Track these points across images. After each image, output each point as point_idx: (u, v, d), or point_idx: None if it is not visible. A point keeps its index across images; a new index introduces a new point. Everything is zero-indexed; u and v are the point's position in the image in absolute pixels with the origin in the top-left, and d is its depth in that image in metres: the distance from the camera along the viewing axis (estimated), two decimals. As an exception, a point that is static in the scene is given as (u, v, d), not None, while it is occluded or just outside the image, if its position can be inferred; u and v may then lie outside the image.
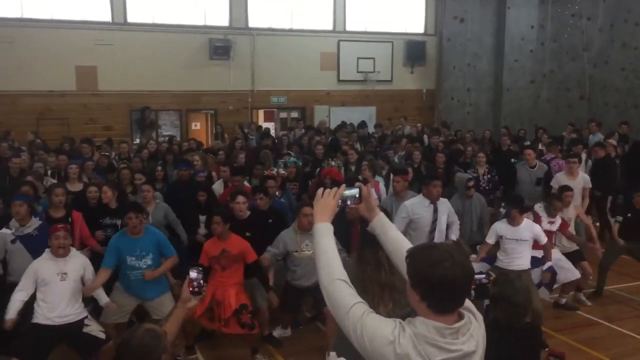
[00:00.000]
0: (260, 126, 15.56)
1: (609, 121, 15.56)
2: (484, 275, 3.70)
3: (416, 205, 6.34)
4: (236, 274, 5.81)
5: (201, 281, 2.84)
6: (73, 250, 5.24)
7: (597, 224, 9.55)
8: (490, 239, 6.41)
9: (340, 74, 17.40)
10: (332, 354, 5.62)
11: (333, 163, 9.48)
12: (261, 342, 6.12)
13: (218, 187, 8.30)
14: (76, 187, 7.77)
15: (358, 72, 17.46)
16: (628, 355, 6.13)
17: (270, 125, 17.16)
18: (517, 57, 18.08)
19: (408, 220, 6.25)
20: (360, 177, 7.96)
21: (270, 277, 6.03)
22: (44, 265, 5.04)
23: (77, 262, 5.19)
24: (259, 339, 6.04)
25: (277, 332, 6.45)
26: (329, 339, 5.76)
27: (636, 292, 7.87)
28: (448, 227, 6.61)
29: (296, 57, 16.56)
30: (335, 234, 2.36)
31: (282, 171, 8.72)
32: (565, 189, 7.32)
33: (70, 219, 6.24)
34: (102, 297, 5.42)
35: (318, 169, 9.84)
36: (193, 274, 2.84)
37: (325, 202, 2.40)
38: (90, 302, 5.65)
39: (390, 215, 3.71)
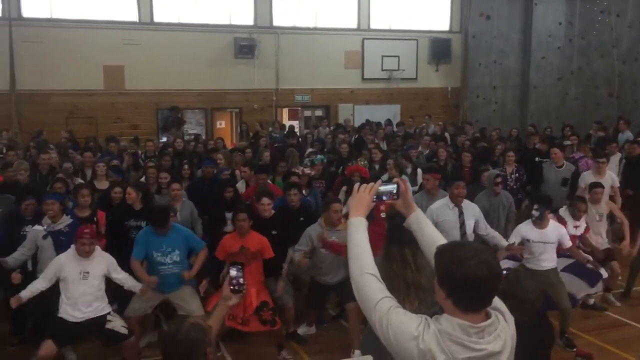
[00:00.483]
0: (284, 124, 15.62)
1: (638, 119, 15.28)
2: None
3: (441, 208, 6.27)
4: (256, 272, 5.82)
5: (241, 279, 2.85)
6: (97, 250, 5.33)
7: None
8: (513, 241, 6.31)
9: (365, 72, 17.37)
10: (357, 351, 5.61)
11: (362, 163, 9.44)
12: (286, 339, 6.15)
13: (240, 186, 8.34)
14: (103, 185, 7.90)
15: (382, 70, 17.42)
16: (658, 357, 6.02)
17: (294, 124, 17.20)
18: (544, 54, 17.85)
19: (433, 224, 6.15)
20: (383, 177, 7.93)
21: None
22: (68, 262, 5.15)
23: (101, 261, 5.29)
24: (283, 335, 6.07)
25: (301, 330, 6.47)
26: (353, 337, 5.78)
27: (667, 293, 7.73)
28: (487, 240, 6.36)
29: (320, 55, 16.58)
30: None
31: (308, 170, 8.73)
32: (595, 185, 7.21)
33: (95, 219, 6.35)
34: (135, 285, 5.49)
35: (341, 167, 9.85)
36: (233, 272, 2.86)
37: (361, 197, 2.42)
38: (114, 302, 5.74)
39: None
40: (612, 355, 6.00)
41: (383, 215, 5.77)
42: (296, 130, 15.24)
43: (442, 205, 6.29)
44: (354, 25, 17.28)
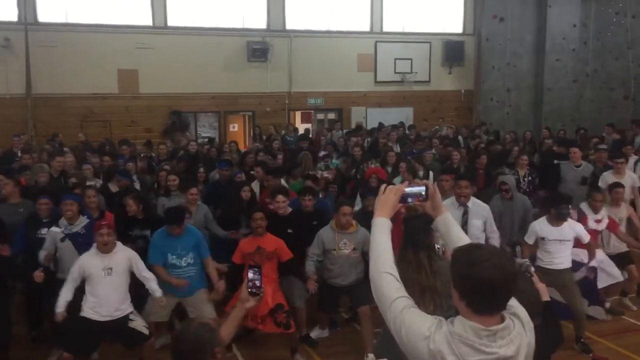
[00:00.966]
0: (297, 128, 15.63)
1: (653, 122, 15.10)
2: None
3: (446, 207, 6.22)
4: (271, 272, 5.85)
5: (257, 282, 2.87)
6: (119, 245, 5.36)
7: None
8: (530, 239, 6.27)
9: (378, 75, 17.35)
10: (371, 355, 5.60)
11: (373, 165, 9.44)
12: (299, 342, 6.15)
13: (254, 187, 8.36)
14: (117, 188, 7.96)
15: (395, 73, 17.38)
16: (676, 362, 5.94)
17: (308, 127, 17.23)
18: (558, 57, 17.73)
19: None
20: (395, 179, 7.92)
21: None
22: (90, 260, 5.19)
23: (123, 256, 5.32)
24: (297, 339, 6.07)
25: (314, 333, 6.47)
26: (366, 341, 5.77)
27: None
28: (487, 239, 6.31)
29: (333, 58, 16.59)
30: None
31: (326, 174, 8.77)
32: (616, 185, 7.12)
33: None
34: (156, 290, 5.50)
35: (354, 170, 9.85)
36: (250, 274, 2.88)
37: (387, 198, 2.44)
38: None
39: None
40: (628, 360, 5.94)
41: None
42: (310, 135, 15.26)
43: (449, 204, 6.26)
44: (367, 28, 17.26)
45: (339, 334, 6.65)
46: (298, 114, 17.98)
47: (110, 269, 5.18)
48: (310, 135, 14.56)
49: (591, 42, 17.91)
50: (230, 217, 7.40)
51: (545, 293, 3.34)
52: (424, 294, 2.91)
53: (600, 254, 6.61)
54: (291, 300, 6.02)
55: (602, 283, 6.69)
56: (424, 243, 3.17)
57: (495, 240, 6.28)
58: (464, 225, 6.15)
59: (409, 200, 2.50)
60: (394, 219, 2.48)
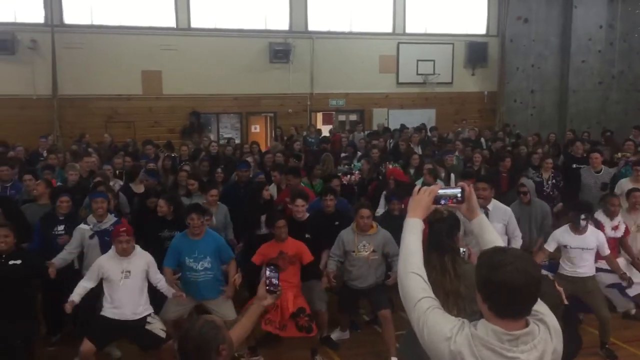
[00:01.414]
0: (320, 129, 15.62)
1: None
2: None
3: None
4: (293, 277, 5.84)
5: (274, 279, 2.87)
6: (137, 249, 5.41)
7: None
8: (550, 247, 6.17)
9: (400, 77, 17.30)
10: (394, 359, 5.57)
11: (391, 166, 9.39)
12: (319, 343, 6.14)
13: (271, 190, 8.35)
14: (140, 188, 8.04)
15: (417, 74, 17.31)
16: None
17: (329, 128, 17.21)
18: (584, 58, 17.51)
19: None
20: (417, 182, 7.87)
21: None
22: (109, 263, 5.25)
23: (141, 260, 5.37)
24: (317, 340, 6.07)
25: (335, 335, 6.45)
26: (388, 344, 5.75)
27: None
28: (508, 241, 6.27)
29: (355, 60, 16.58)
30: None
31: (354, 177, 8.77)
32: (634, 190, 7.01)
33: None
34: (168, 289, 5.53)
35: (375, 173, 9.80)
36: (268, 272, 2.89)
37: (420, 199, 2.44)
38: None
39: (459, 219, 3.63)
40: (655, 368, 5.83)
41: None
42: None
43: None
44: (389, 30, 17.22)
45: (360, 336, 6.63)
46: (319, 116, 17.99)
47: (129, 272, 5.23)
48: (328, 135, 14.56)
49: (618, 43, 17.65)
50: (250, 217, 7.39)
51: (563, 297, 3.29)
52: (448, 297, 2.89)
53: (621, 262, 6.50)
54: (312, 303, 6.00)
55: (632, 292, 6.55)
56: (448, 246, 3.14)
57: (517, 243, 6.17)
58: None
59: (442, 202, 2.49)
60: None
